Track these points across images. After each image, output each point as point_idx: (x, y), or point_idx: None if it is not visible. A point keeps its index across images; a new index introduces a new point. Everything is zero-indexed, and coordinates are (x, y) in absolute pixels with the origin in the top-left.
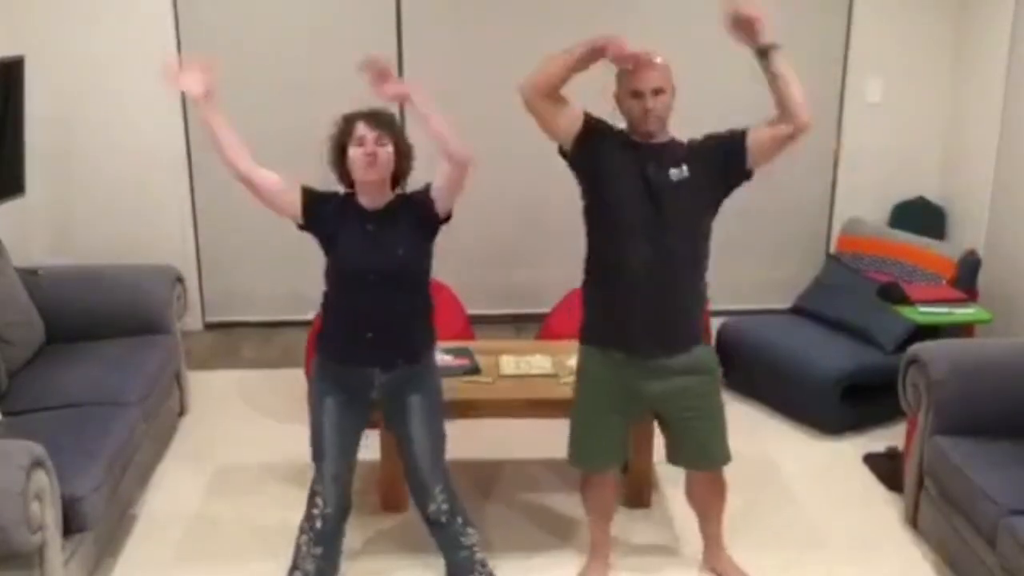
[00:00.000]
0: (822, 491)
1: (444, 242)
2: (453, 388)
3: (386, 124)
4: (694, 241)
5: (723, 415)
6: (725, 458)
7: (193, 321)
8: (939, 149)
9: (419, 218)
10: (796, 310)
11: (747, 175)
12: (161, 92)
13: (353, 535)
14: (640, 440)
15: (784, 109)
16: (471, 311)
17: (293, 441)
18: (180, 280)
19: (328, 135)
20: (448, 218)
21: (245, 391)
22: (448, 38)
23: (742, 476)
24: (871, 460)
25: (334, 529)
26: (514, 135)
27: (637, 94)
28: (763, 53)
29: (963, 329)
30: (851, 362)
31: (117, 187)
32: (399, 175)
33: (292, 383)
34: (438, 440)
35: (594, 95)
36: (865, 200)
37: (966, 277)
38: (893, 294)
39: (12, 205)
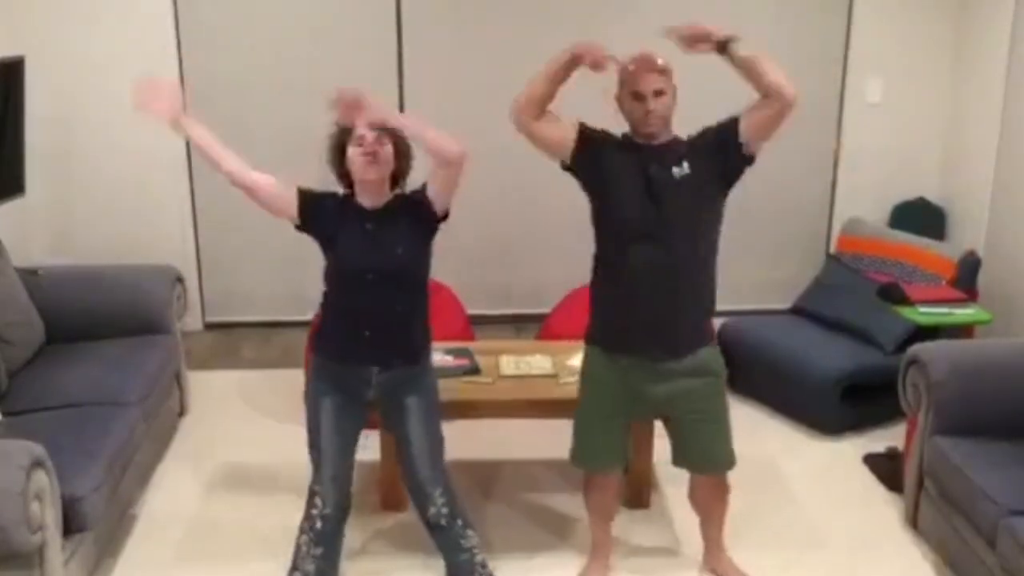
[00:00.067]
0: (822, 491)
1: (444, 242)
2: (453, 388)
3: None
4: (700, 241)
5: (728, 418)
6: (729, 463)
7: (193, 321)
8: (939, 149)
9: (418, 217)
10: (796, 310)
11: (748, 159)
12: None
13: (353, 535)
14: (640, 441)
15: (766, 92)
16: (471, 311)
17: (293, 441)
18: (180, 280)
19: (328, 135)
20: (446, 216)
21: (245, 391)
22: (448, 38)
23: (742, 476)
24: (871, 460)
25: (334, 529)
26: (514, 135)
27: (638, 96)
28: (723, 49)
29: (963, 329)
30: (851, 362)
31: (117, 187)
32: (398, 175)
33: (292, 383)
34: (436, 442)
35: (595, 97)
36: (865, 200)
37: (966, 277)
38: (893, 294)
39: (12, 205)
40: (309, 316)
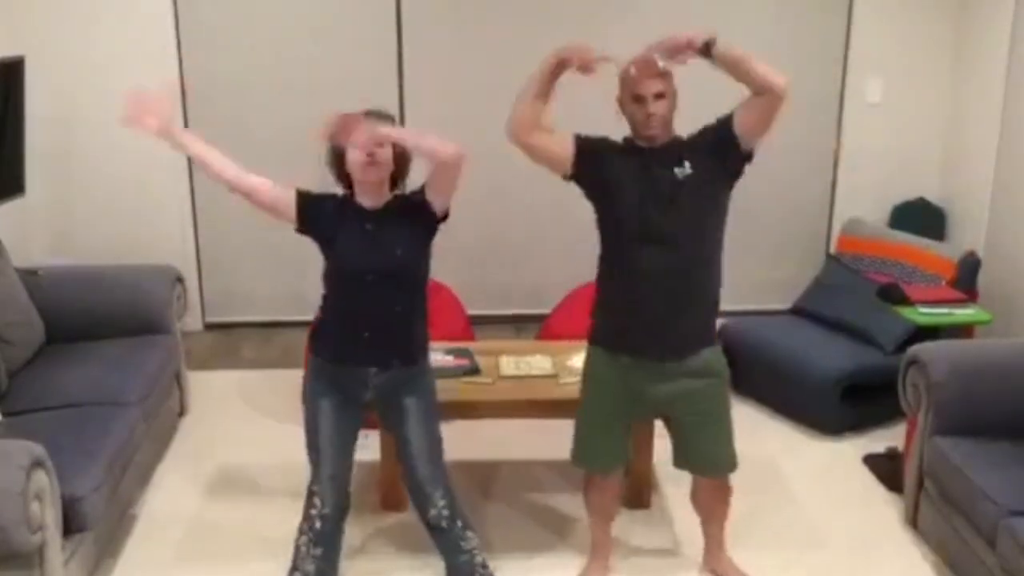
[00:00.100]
0: (822, 491)
1: (444, 242)
2: (453, 389)
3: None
4: (706, 240)
5: (730, 420)
6: (731, 465)
7: (193, 321)
8: (939, 149)
9: (418, 218)
10: (796, 310)
11: (746, 157)
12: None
13: (353, 535)
14: (640, 441)
15: (758, 87)
16: (471, 311)
17: (293, 441)
18: (180, 280)
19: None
20: (446, 217)
21: (245, 391)
22: (448, 38)
23: (742, 476)
24: (871, 460)
25: (333, 529)
26: None
27: (639, 99)
28: (706, 52)
29: (963, 330)
30: (851, 362)
31: (117, 187)
32: (398, 175)
33: (292, 383)
34: (435, 443)
35: (596, 100)
36: (865, 200)
37: (966, 278)
38: (893, 295)
39: (12, 205)
40: (309, 316)
